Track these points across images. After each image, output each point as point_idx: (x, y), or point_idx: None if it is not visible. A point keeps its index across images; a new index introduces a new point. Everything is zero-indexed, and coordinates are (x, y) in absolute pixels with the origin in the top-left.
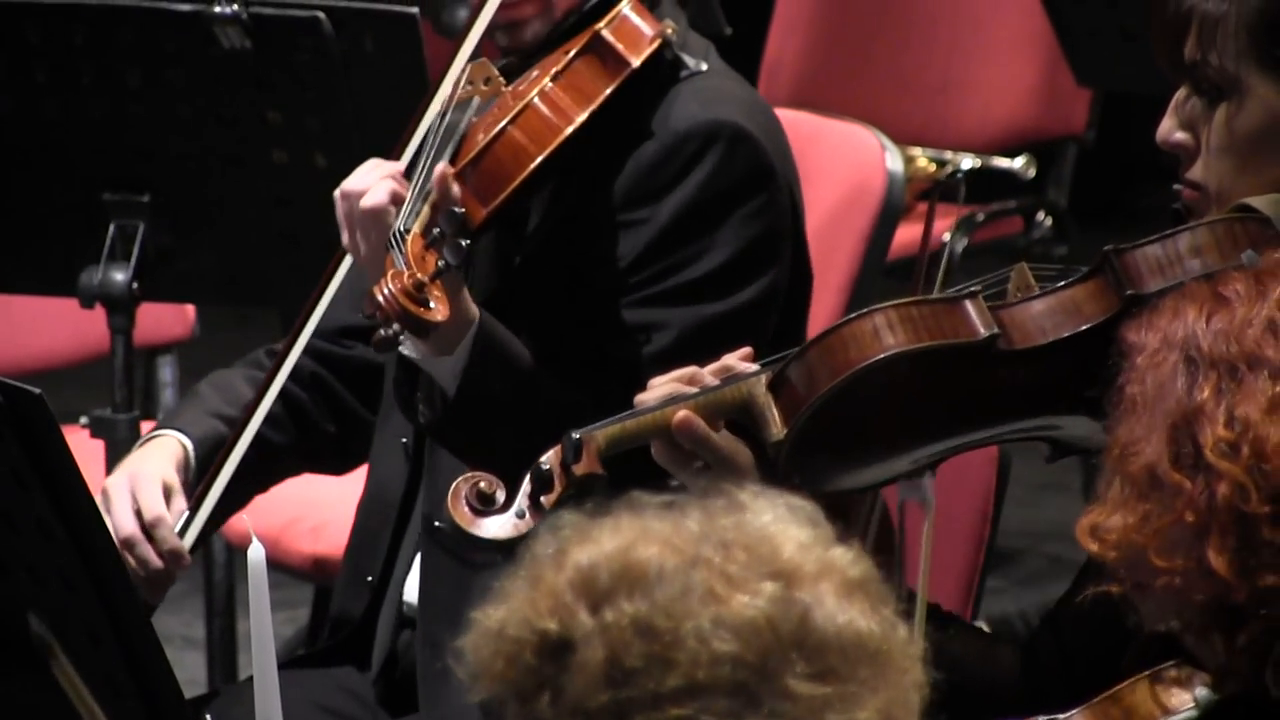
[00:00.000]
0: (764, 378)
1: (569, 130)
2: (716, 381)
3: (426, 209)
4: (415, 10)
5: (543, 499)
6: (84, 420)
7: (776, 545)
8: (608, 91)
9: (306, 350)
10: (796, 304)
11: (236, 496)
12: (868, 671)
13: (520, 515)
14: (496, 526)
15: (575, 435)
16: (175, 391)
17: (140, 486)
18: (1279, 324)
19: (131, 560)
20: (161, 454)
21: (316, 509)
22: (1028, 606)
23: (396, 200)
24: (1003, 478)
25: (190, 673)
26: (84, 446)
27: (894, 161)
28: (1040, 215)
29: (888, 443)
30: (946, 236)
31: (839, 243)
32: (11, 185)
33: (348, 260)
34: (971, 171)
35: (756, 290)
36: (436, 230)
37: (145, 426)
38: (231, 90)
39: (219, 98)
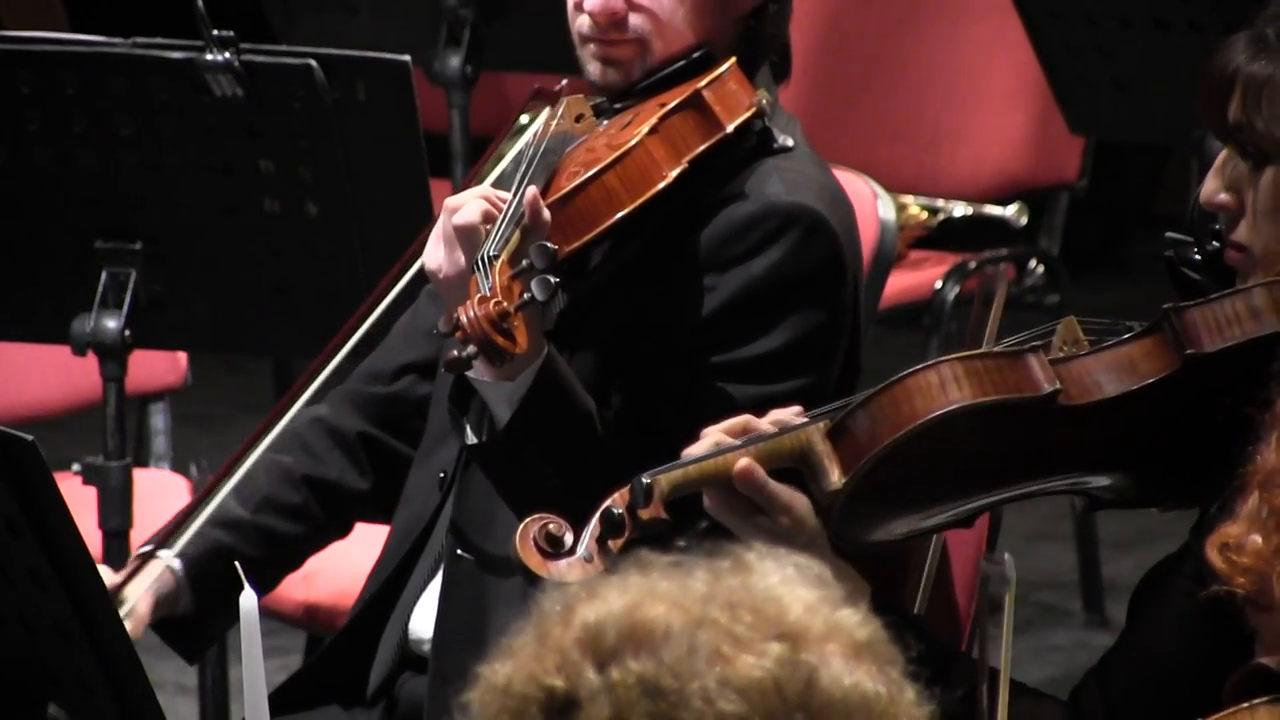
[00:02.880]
0: (822, 426)
1: (661, 185)
2: (772, 430)
3: (516, 235)
4: (407, 58)
5: (610, 542)
6: (76, 468)
7: (783, 606)
8: (700, 149)
9: (354, 405)
10: (842, 395)
11: (264, 581)
12: None
13: (588, 559)
14: (566, 569)
15: (644, 480)
16: (167, 439)
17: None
18: None
19: None
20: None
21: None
22: (1020, 653)
23: (488, 219)
24: (994, 528)
25: None
26: (76, 494)
27: (886, 209)
28: (1032, 263)
29: (935, 495)
30: (938, 284)
31: None
32: (4, 233)
33: (379, 310)
34: (964, 219)
35: (806, 380)
36: (526, 261)
37: (137, 473)
38: (223, 139)
39: (211, 146)
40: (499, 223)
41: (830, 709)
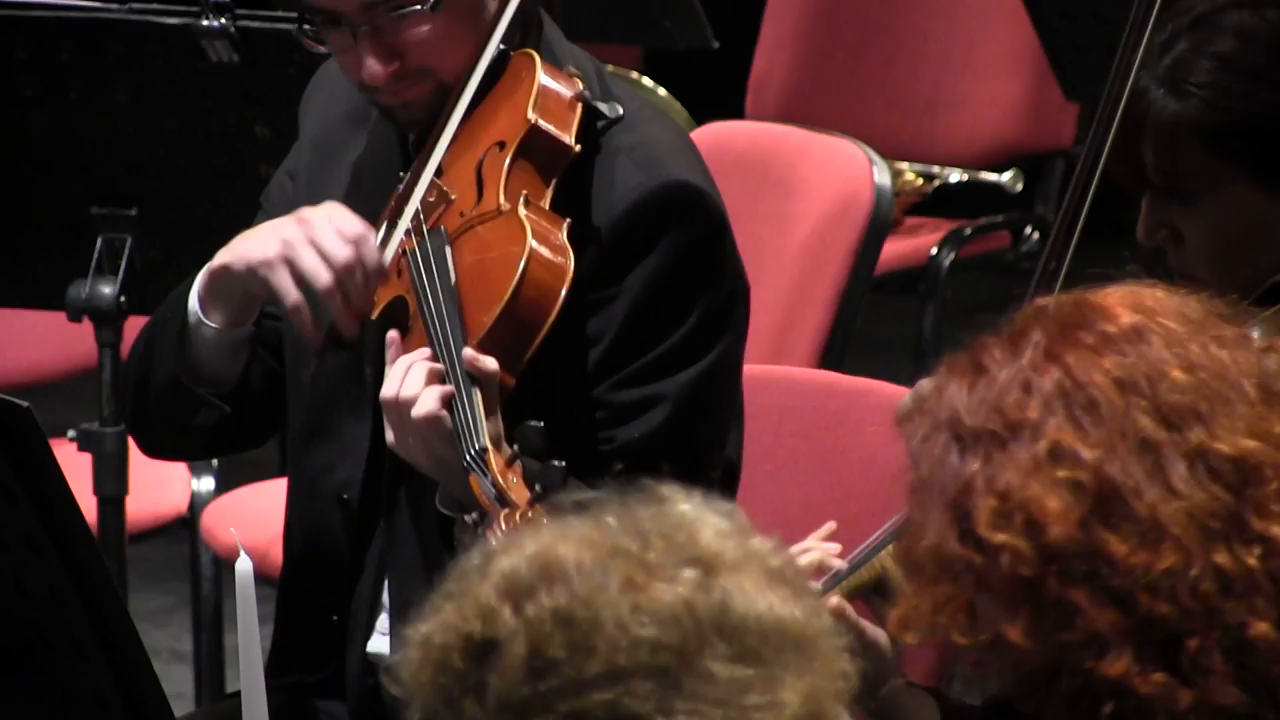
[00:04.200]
0: (893, 549)
1: (570, 268)
2: (842, 564)
3: (479, 397)
4: None
5: None
6: (72, 434)
7: (694, 533)
8: (557, 180)
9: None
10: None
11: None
12: (790, 656)
13: None
14: None
15: None
16: None
17: (335, 211)
18: (1032, 383)
19: (340, 296)
20: None
21: None
22: None
23: (445, 399)
24: None
25: (178, 687)
26: (71, 460)
27: (882, 176)
28: (1028, 230)
29: None
30: (934, 251)
31: (827, 257)
32: None
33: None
34: (959, 185)
35: (731, 331)
36: (514, 446)
37: (132, 441)
38: (219, 104)
39: (207, 112)
40: (455, 401)
41: (745, 631)
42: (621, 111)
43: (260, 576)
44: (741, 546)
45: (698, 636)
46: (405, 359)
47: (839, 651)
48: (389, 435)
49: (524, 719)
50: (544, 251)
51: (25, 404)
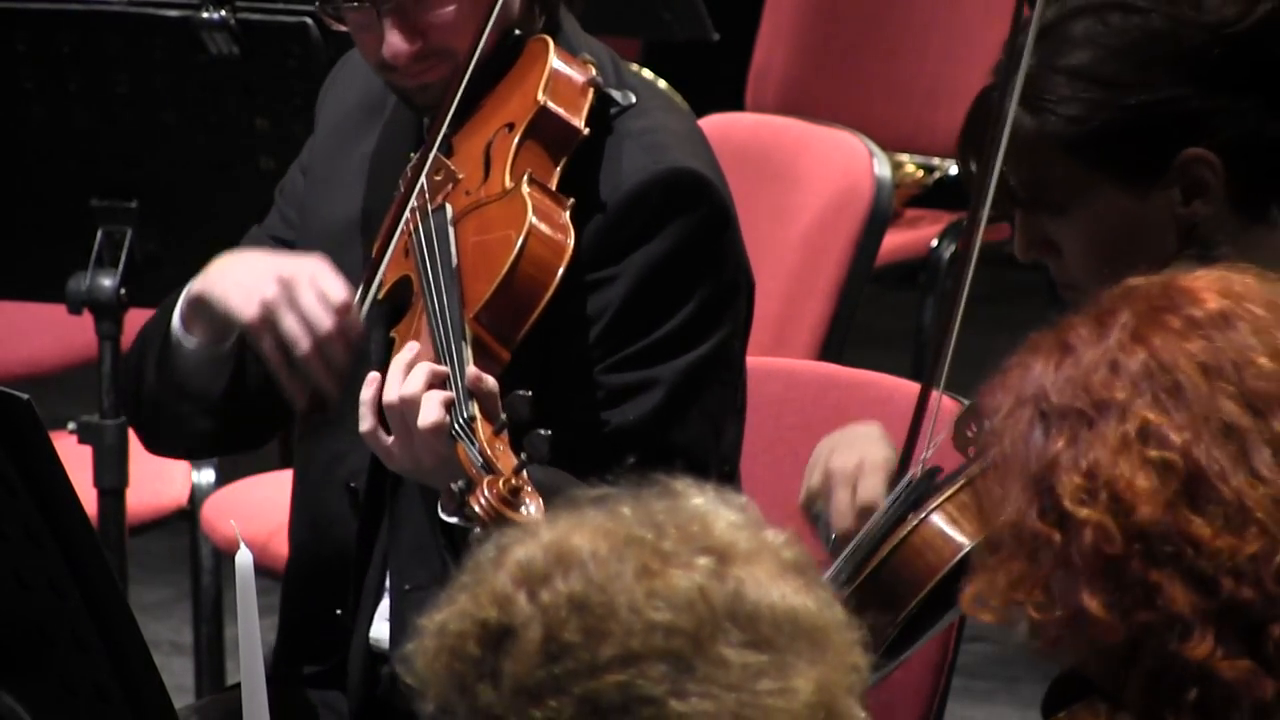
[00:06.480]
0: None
1: (570, 245)
2: None
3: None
4: None
5: None
6: (72, 426)
7: (708, 524)
8: (564, 162)
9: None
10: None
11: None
12: (804, 644)
13: None
14: None
15: None
16: None
17: (319, 272)
18: (1120, 363)
19: (321, 363)
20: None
21: None
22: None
23: (448, 405)
24: None
25: (178, 679)
26: (71, 452)
27: (882, 168)
28: None
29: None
30: (934, 243)
31: (827, 249)
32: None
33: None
34: (959, 177)
35: (730, 323)
36: (504, 415)
37: (133, 433)
38: (219, 97)
39: (207, 104)
40: (449, 380)
41: (758, 618)
42: (634, 99)
43: (260, 569)
44: (755, 538)
45: (711, 622)
46: (402, 358)
47: (851, 644)
48: (388, 439)
49: (538, 702)
50: (544, 229)
51: (25, 396)
